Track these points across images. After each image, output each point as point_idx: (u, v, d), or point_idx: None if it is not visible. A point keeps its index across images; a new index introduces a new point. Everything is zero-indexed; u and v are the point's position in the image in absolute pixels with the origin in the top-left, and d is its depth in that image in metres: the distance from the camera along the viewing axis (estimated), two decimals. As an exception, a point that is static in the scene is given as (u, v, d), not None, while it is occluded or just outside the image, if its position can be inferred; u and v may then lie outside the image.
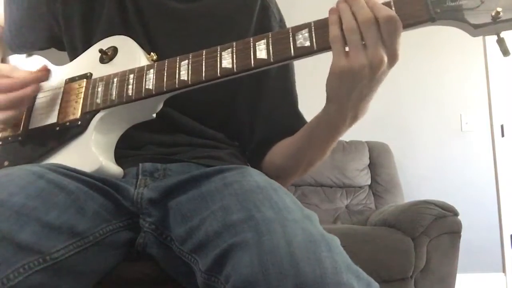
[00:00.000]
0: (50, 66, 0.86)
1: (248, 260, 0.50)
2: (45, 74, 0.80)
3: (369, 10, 0.61)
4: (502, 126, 3.23)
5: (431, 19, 0.61)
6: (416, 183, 3.02)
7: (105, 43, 0.81)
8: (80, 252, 0.61)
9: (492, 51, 3.22)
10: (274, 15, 0.89)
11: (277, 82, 0.86)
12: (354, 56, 0.61)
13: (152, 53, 0.77)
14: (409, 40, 3.17)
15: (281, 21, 0.91)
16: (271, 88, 0.86)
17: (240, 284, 0.49)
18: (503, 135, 3.23)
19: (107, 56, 0.79)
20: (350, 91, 0.65)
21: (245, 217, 0.56)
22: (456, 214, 2.04)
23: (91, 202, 0.66)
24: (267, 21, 0.88)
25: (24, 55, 0.94)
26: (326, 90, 0.68)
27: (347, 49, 0.62)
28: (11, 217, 0.56)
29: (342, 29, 0.62)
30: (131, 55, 0.78)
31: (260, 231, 0.53)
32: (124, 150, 0.78)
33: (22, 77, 0.76)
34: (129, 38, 0.80)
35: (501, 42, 0.60)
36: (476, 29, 0.60)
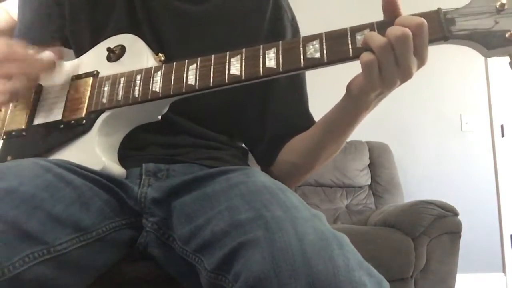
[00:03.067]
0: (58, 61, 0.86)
1: (259, 257, 0.50)
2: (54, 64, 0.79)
3: (399, 26, 0.59)
4: (502, 126, 3.23)
5: (444, 38, 0.60)
6: (416, 183, 3.03)
7: (113, 41, 0.80)
8: (83, 247, 0.62)
9: (492, 51, 3.22)
10: (287, 14, 0.88)
11: (287, 80, 0.85)
12: (388, 75, 0.61)
13: (160, 54, 0.77)
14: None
15: (293, 19, 0.90)
16: (281, 87, 0.85)
17: (251, 282, 0.49)
18: (503, 135, 3.23)
19: (114, 54, 0.79)
20: (378, 97, 0.68)
21: (254, 216, 0.56)
22: (456, 214, 2.04)
23: (95, 198, 0.67)
24: (280, 21, 0.87)
25: None
26: (348, 93, 0.69)
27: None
28: (21, 206, 0.57)
29: (374, 53, 0.60)
30: (138, 54, 0.77)
31: (271, 229, 0.53)
32: (127, 151, 0.78)
33: (37, 58, 0.76)
34: (137, 37, 0.79)
35: None
36: (489, 51, 0.59)
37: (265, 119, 0.85)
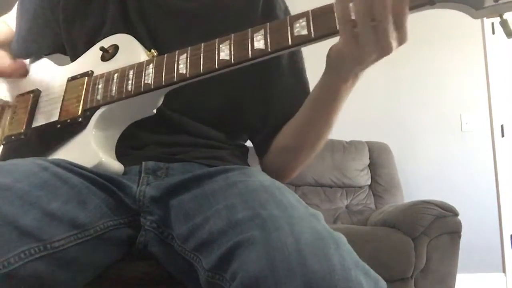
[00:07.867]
0: (54, 66, 0.86)
1: (255, 257, 0.50)
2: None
3: None
4: (502, 126, 3.22)
5: (430, 2, 0.59)
6: (416, 183, 3.02)
7: (106, 42, 0.81)
8: (80, 244, 0.62)
9: (492, 51, 3.22)
10: (279, 4, 0.89)
11: (287, 71, 0.85)
12: (364, 44, 0.60)
13: (152, 50, 0.78)
14: (409, 40, 3.18)
15: (286, 9, 0.90)
16: (282, 82, 0.85)
17: (248, 281, 0.49)
18: (503, 135, 3.23)
19: (108, 54, 0.80)
20: (355, 68, 0.66)
21: (251, 215, 0.56)
22: (456, 214, 2.04)
23: (93, 197, 0.67)
24: (272, 12, 0.87)
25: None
26: (328, 61, 0.68)
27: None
28: (15, 202, 0.57)
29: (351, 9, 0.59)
30: (131, 52, 0.78)
31: (267, 229, 0.53)
32: (127, 149, 0.78)
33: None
34: (130, 36, 0.80)
35: (504, 24, 0.57)
36: (477, 11, 0.58)
37: (267, 111, 0.85)
